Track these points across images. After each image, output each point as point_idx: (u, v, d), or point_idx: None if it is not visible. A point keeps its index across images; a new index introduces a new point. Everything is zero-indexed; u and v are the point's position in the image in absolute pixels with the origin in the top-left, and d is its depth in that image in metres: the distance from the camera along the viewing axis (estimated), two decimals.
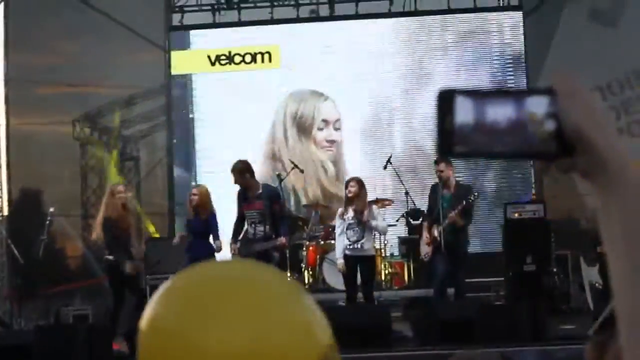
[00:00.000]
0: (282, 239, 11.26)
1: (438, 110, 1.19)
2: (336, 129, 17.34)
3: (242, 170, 11.29)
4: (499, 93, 1.21)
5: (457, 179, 12.03)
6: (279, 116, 17.54)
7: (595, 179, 1.16)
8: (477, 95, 1.19)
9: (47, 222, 13.77)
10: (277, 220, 11.27)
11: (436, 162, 11.57)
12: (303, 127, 17.44)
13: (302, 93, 17.67)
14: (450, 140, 1.18)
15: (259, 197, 11.26)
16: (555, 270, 12.81)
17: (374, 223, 11.33)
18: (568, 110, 1.16)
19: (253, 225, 11.23)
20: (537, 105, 1.19)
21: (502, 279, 12.89)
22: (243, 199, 11.38)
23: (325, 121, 17.36)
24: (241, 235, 11.45)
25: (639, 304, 1.13)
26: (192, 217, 11.64)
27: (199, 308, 1.41)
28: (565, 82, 1.17)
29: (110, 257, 11.28)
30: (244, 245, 11.24)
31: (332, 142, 17.30)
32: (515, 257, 12.10)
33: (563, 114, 1.16)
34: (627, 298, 1.14)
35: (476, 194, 11.66)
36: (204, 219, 11.47)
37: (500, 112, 1.18)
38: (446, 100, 1.19)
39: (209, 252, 11.11)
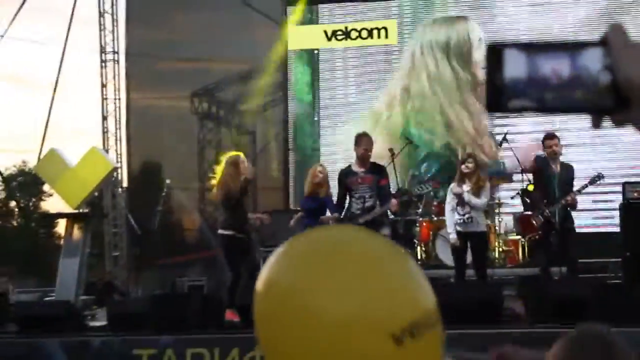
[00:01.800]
0: (394, 201, 11.21)
1: (488, 65, 1.18)
2: None
3: (371, 143, 11.35)
4: (551, 46, 1.19)
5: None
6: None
7: None
8: (527, 48, 1.17)
9: (164, 194, 14.00)
10: (384, 196, 11.22)
11: (548, 138, 11.34)
12: (459, 53, 17.23)
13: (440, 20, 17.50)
14: (500, 95, 1.17)
15: (369, 172, 11.23)
16: None
17: (473, 201, 11.15)
18: (621, 62, 1.14)
19: (362, 200, 11.18)
20: (591, 59, 1.16)
21: (619, 259, 12.60)
22: (349, 175, 11.33)
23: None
24: (342, 213, 11.42)
25: None
26: (309, 195, 11.65)
27: (312, 271, 1.46)
28: (618, 34, 1.15)
29: (227, 232, 11.10)
30: (347, 220, 11.20)
31: None
32: (633, 237, 11.81)
33: (616, 66, 1.14)
34: None
35: (599, 174, 11.38)
36: (321, 198, 11.50)
37: (552, 66, 1.15)
38: (496, 54, 1.17)
39: None
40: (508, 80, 1.16)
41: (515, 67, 1.16)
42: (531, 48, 1.17)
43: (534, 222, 11.44)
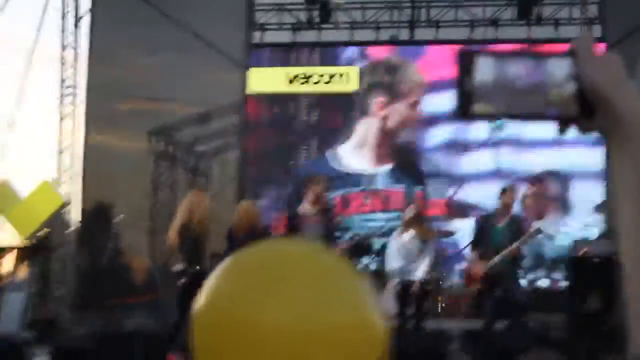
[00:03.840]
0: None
1: (459, 71, 1.19)
2: None
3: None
4: (520, 54, 1.22)
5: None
6: None
7: (612, 134, 1.20)
8: (497, 55, 1.19)
9: (114, 230, 13.92)
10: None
11: (505, 191, 11.38)
12: None
13: None
14: (469, 100, 1.18)
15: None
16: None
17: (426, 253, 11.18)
18: (587, 71, 1.20)
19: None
20: (558, 68, 1.21)
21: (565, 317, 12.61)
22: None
23: None
24: None
25: None
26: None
27: (253, 286, 1.44)
28: (584, 44, 1.21)
29: (181, 267, 10.80)
30: None
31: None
32: (581, 295, 11.83)
33: (582, 75, 1.19)
34: (636, 243, 1.19)
35: (538, 228, 11.42)
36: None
37: (521, 73, 1.18)
38: (467, 60, 1.18)
39: None
40: (477, 86, 1.18)
41: (484, 73, 1.18)
42: (500, 55, 1.20)
43: (477, 274, 11.44)
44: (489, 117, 1.22)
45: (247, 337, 1.40)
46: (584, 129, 1.22)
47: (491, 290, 11.17)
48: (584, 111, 1.19)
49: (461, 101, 1.18)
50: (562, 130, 1.23)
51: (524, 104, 1.17)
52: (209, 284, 1.48)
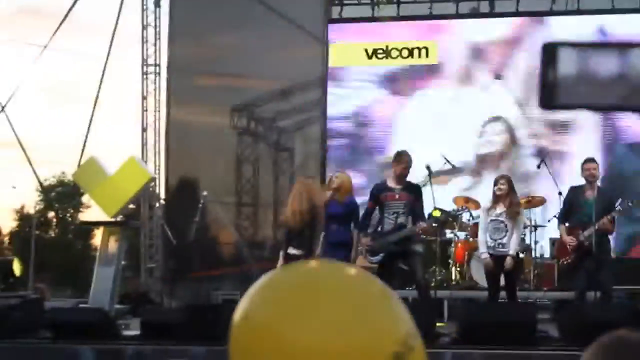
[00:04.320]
0: (423, 224, 11.09)
1: (542, 63, 1.20)
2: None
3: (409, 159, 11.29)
4: (603, 46, 1.20)
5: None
6: None
7: None
8: (581, 47, 1.19)
9: (200, 205, 14.02)
10: (417, 216, 11.15)
11: (588, 161, 11.27)
12: None
13: None
14: (553, 92, 1.19)
15: (406, 190, 11.18)
16: None
17: (515, 230, 11.13)
18: None
19: (395, 216, 11.12)
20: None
21: None
22: (384, 190, 11.28)
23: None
24: (372, 229, 11.37)
25: None
26: (329, 201, 11.43)
27: (290, 305, 1.45)
28: None
29: (296, 252, 10.69)
30: (377, 238, 11.16)
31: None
32: None
33: None
34: None
35: (633, 200, 11.26)
36: (342, 203, 11.33)
37: (604, 65, 1.18)
38: (550, 52, 1.20)
39: (347, 239, 11.05)
40: (561, 77, 1.19)
41: (568, 65, 1.19)
42: (584, 47, 1.20)
43: (568, 246, 11.33)
44: (572, 107, 1.22)
45: (282, 356, 1.43)
46: None
47: (583, 262, 11.07)
48: None
49: (545, 92, 1.19)
50: None
51: (606, 95, 1.17)
52: (247, 297, 1.50)
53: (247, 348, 1.49)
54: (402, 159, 11.30)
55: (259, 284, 1.53)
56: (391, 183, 11.31)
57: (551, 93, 1.20)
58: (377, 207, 11.27)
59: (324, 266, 1.68)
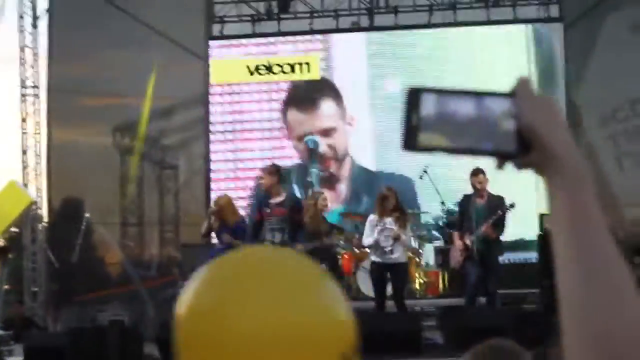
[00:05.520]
0: (299, 246, 11.00)
1: (406, 106, 1.26)
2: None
3: (271, 172, 11.24)
4: (464, 93, 1.28)
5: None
6: None
7: (547, 173, 1.26)
8: (442, 93, 1.26)
9: (83, 227, 13.86)
10: (296, 230, 11.15)
11: (475, 174, 11.49)
12: None
13: None
14: (414, 134, 1.25)
15: (282, 205, 11.16)
16: None
17: (403, 237, 11.28)
18: (525, 110, 1.26)
19: (272, 232, 11.10)
20: (499, 107, 1.27)
21: (538, 290, 12.75)
22: (263, 205, 11.28)
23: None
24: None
25: (578, 288, 1.24)
26: (218, 228, 11.48)
27: (233, 291, 1.46)
28: (524, 85, 1.27)
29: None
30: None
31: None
32: (550, 267, 11.94)
33: (521, 114, 1.25)
34: (570, 279, 1.25)
35: (511, 204, 11.51)
36: (231, 227, 11.38)
37: (463, 111, 1.25)
38: (413, 96, 1.26)
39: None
40: (422, 121, 1.25)
41: (429, 109, 1.24)
42: (446, 93, 1.26)
43: (451, 251, 11.57)
44: (432, 150, 1.27)
45: (228, 343, 1.45)
46: (520, 166, 1.28)
47: (469, 267, 11.29)
48: (521, 148, 1.25)
49: (407, 135, 1.25)
50: (500, 165, 1.28)
51: (466, 140, 1.24)
52: (190, 287, 1.52)
53: (192, 337, 1.48)
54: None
55: (201, 272, 1.53)
56: (272, 196, 11.30)
57: (413, 136, 1.27)
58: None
59: (266, 251, 1.71)
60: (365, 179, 17.02)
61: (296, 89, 17.88)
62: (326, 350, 1.45)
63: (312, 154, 17.23)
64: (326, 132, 17.45)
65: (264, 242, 11.15)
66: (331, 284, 1.52)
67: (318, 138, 17.31)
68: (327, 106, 17.66)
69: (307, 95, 17.80)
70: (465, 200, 11.67)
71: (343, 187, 17.26)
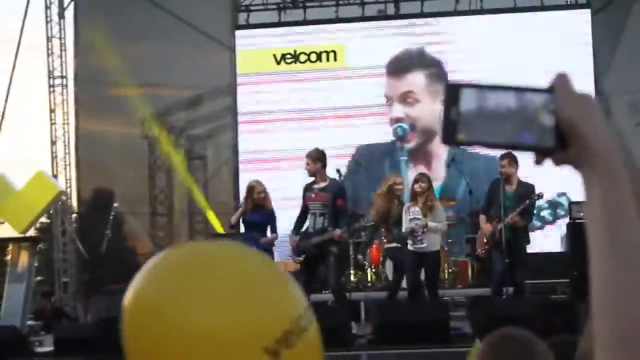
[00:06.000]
0: (338, 231, 11.03)
1: (445, 102, 1.27)
2: None
3: (315, 159, 11.21)
4: (503, 88, 1.29)
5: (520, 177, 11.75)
6: None
7: (584, 167, 1.28)
8: (481, 88, 1.27)
9: (111, 217, 13.92)
10: (338, 215, 11.16)
11: (500, 158, 11.39)
12: None
13: None
14: (454, 129, 1.26)
15: (325, 190, 11.16)
16: None
17: (432, 225, 11.26)
18: (564, 105, 1.27)
19: (313, 217, 11.15)
20: (538, 102, 1.28)
21: (567, 280, 12.70)
22: (308, 190, 11.30)
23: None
24: (303, 229, 11.39)
25: (611, 279, 1.26)
26: (250, 210, 11.56)
27: (177, 286, 1.47)
28: (562, 81, 1.29)
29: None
30: (303, 239, 11.19)
31: None
32: (580, 257, 11.89)
33: (559, 110, 1.27)
34: (603, 269, 1.26)
35: (539, 193, 11.39)
36: (264, 213, 11.46)
37: (502, 106, 1.26)
38: (453, 92, 1.27)
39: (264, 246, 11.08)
40: (462, 116, 1.26)
41: (469, 104, 1.26)
42: (485, 88, 1.28)
43: (484, 237, 11.48)
44: (472, 144, 1.29)
45: (176, 340, 1.45)
46: (559, 161, 1.29)
47: (495, 255, 11.23)
48: (560, 144, 1.27)
49: (447, 130, 1.27)
50: (539, 161, 1.30)
51: (505, 135, 1.26)
52: (137, 280, 1.52)
53: (138, 331, 1.50)
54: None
55: (147, 266, 1.54)
56: (316, 182, 11.30)
57: (453, 131, 1.29)
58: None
59: (214, 245, 1.72)
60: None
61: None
62: (248, 344, 1.45)
63: (400, 140, 17.19)
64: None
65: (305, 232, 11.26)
66: (285, 286, 1.52)
67: (407, 125, 17.19)
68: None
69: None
70: (495, 185, 11.49)
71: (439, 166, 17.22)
